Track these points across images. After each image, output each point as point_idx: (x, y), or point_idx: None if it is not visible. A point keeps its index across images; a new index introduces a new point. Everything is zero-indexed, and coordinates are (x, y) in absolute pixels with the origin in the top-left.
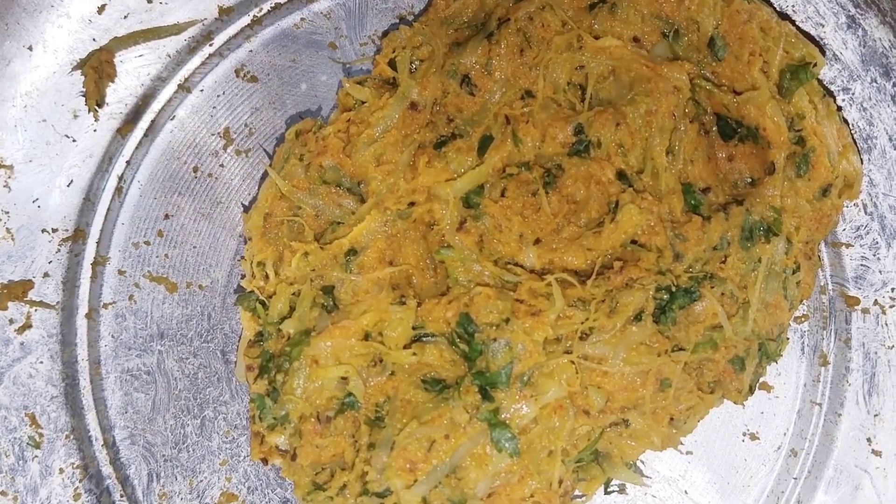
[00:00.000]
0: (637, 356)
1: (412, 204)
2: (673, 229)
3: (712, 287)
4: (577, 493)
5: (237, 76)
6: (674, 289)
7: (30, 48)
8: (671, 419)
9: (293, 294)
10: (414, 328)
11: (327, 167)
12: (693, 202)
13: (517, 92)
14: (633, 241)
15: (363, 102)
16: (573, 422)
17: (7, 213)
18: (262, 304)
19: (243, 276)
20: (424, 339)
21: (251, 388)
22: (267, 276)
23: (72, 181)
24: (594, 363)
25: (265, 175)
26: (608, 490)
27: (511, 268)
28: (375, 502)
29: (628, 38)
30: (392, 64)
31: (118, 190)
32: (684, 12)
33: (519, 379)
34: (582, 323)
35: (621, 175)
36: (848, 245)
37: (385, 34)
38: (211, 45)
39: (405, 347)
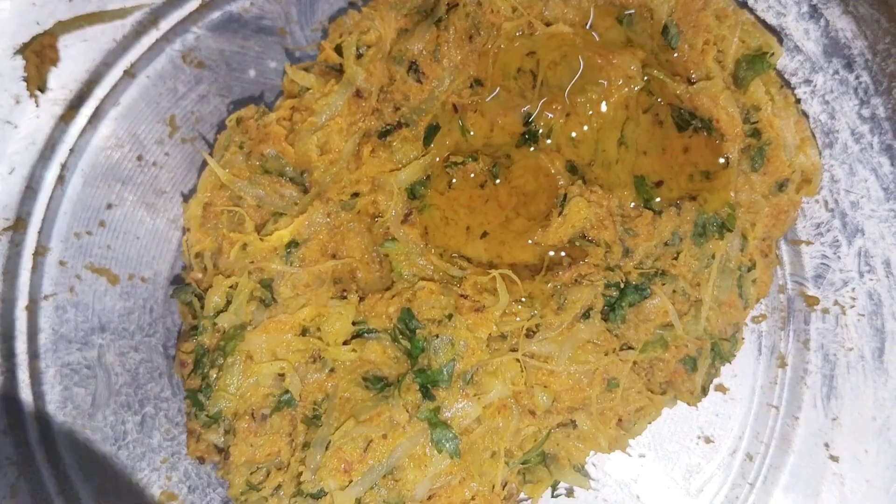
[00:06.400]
0: (584, 354)
1: (356, 195)
2: (623, 224)
3: (663, 284)
4: (522, 496)
5: (184, 62)
6: (623, 285)
7: None
8: (619, 420)
9: (230, 287)
10: (355, 323)
11: (269, 156)
12: (645, 196)
13: (466, 80)
14: (583, 236)
15: (308, 89)
16: (518, 422)
17: None
18: (199, 297)
19: (184, 268)
20: (366, 335)
21: (185, 383)
22: (205, 268)
23: (13, 169)
24: (540, 361)
25: (206, 164)
26: (555, 493)
27: (457, 261)
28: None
29: (581, 24)
30: (339, 50)
31: (61, 178)
32: None
33: (461, 377)
34: (528, 320)
35: (572, 166)
36: (808, 242)
37: (334, 19)
38: (157, 29)
39: (345, 343)
